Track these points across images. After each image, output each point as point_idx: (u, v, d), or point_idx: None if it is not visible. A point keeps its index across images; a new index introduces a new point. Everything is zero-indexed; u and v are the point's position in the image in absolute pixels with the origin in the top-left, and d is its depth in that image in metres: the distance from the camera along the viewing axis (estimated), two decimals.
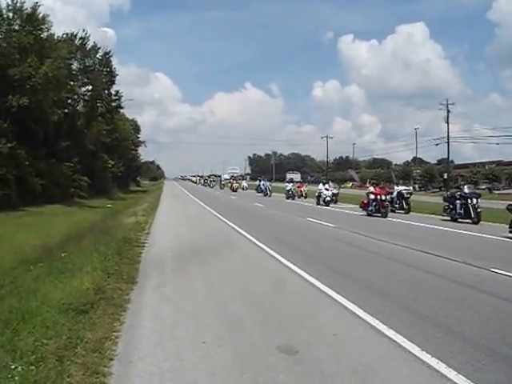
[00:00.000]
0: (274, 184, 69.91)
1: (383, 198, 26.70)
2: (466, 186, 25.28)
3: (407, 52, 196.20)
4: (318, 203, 37.06)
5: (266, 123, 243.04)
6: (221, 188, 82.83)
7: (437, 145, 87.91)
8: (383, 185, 33.02)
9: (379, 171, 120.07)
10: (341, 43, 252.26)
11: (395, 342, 5.86)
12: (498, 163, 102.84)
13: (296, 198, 47.23)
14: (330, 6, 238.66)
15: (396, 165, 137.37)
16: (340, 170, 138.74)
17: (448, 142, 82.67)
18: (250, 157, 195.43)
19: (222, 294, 8.61)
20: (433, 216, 26.65)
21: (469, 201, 23.27)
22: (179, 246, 14.54)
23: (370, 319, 6.75)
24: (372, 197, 26.99)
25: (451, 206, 24.43)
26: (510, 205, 18.39)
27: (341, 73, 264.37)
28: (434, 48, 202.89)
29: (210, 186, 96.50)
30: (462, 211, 23.50)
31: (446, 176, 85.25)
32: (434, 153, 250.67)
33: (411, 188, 44.33)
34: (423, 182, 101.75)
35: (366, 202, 27.67)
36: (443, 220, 23.95)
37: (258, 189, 60.24)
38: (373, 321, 6.67)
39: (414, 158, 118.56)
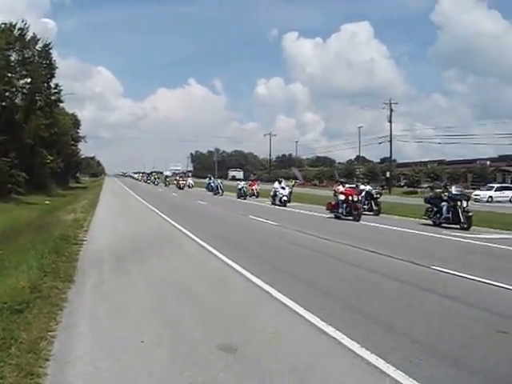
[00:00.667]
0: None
1: (355, 198, 24.23)
2: (453, 187, 23.02)
3: (352, 51, 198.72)
4: (274, 203, 35.24)
5: (209, 120, 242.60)
6: (165, 185, 79.62)
7: (380, 143, 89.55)
8: (326, 183, 32.56)
9: (322, 169, 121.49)
10: (285, 41, 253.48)
11: (335, 339, 5.88)
12: (440, 162, 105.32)
13: (248, 197, 44.73)
14: (275, 2, 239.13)
15: (339, 163, 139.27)
16: (283, 167, 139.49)
17: (391, 141, 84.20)
18: (192, 154, 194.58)
19: (161, 292, 8.51)
20: (411, 219, 24.85)
21: (458, 203, 20.81)
22: (119, 243, 14.30)
23: (310, 317, 6.75)
24: (342, 198, 24.45)
25: (435, 209, 22.10)
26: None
27: (285, 70, 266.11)
28: (378, 48, 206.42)
29: (154, 183, 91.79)
30: (450, 215, 21.02)
31: (388, 175, 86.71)
32: (377, 151, 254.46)
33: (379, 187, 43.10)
34: (366, 180, 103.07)
35: (333, 203, 25.35)
36: (425, 224, 21.89)
37: (209, 187, 57.95)
38: (313, 319, 6.67)
39: (358, 157, 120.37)
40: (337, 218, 24.42)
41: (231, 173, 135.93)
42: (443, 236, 17.70)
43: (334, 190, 26.06)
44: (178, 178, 78.98)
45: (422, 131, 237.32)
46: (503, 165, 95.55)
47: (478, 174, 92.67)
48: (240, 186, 45.82)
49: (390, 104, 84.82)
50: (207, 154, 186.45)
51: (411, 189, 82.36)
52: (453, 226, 20.57)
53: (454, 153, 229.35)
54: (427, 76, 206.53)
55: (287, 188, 36.13)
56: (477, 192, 55.71)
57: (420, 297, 8.36)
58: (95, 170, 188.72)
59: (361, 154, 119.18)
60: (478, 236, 17.41)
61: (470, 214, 20.55)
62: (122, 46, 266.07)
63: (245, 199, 43.26)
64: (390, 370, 4.91)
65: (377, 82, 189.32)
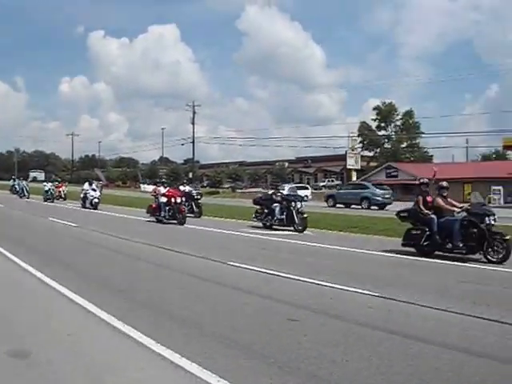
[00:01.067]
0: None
1: (178, 200, 22.65)
2: (286, 186, 23.07)
3: (158, 52, 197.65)
4: (84, 206, 33.01)
5: (9, 118, 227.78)
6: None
7: (182, 145, 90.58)
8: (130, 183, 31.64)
9: (126, 170, 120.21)
10: (91, 39, 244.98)
11: (131, 337, 5.82)
12: (241, 163, 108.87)
13: (55, 199, 42.26)
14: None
15: (143, 164, 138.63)
16: (86, 168, 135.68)
17: (193, 143, 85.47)
18: None
19: None
20: (239, 221, 24.12)
21: (292, 204, 20.20)
22: None
23: (106, 317, 6.62)
24: (164, 200, 22.83)
25: (266, 211, 21.05)
26: (398, 212, 14.67)
27: (90, 69, 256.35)
28: (184, 50, 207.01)
29: None
30: (284, 217, 20.14)
31: (190, 175, 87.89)
32: (182, 153, 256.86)
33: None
34: (169, 181, 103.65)
35: (154, 206, 23.61)
36: (255, 227, 21.00)
37: (13, 189, 52.78)
38: (109, 318, 6.55)
39: (161, 158, 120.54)
40: (159, 221, 22.91)
41: (32, 174, 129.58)
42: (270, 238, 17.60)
43: (155, 192, 24.51)
44: None
45: (224, 133, 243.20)
46: (300, 166, 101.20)
47: (277, 174, 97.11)
48: (47, 188, 42.92)
49: (194, 106, 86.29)
50: (6, 155, 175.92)
51: (213, 189, 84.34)
52: (286, 228, 19.99)
53: (256, 155, 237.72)
54: (231, 80, 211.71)
55: (98, 190, 34.42)
56: None
57: (216, 291, 8.62)
58: None
59: (164, 155, 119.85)
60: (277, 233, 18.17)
61: (305, 215, 20.01)
62: None
63: (52, 202, 41.16)
64: (185, 363, 4.97)
65: (182, 84, 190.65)
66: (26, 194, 48.51)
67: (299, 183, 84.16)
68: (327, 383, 4.56)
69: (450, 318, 6.94)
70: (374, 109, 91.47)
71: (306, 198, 29.74)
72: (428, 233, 12.91)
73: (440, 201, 13.20)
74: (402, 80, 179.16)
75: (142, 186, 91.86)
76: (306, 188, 60.58)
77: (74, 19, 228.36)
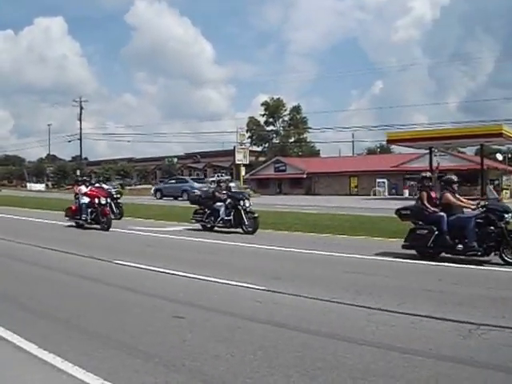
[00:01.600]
0: None
1: (103, 201, 19.55)
2: (232, 183, 20.41)
3: (44, 46, 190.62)
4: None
5: None
6: None
7: (69, 141, 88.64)
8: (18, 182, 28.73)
9: (11, 168, 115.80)
10: None
11: (11, 342, 5.64)
12: (130, 160, 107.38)
13: None
14: None
15: (30, 162, 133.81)
16: None
17: (80, 139, 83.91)
18: None
19: None
20: (171, 223, 21.77)
21: (241, 203, 17.95)
22: None
23: None
24: (85, 201, 19.76)
25: (207, 211, 18.77)
26: (398, 210, 12.74)
27: None
28: (71, 44, 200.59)
29: None
30: (232, 218, 17.94)
31: (78, 173, 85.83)
32: (70, 150, 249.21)
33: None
34: (56, 179, 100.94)
35: (74, 207, 20.39)
36: (193, 230, 18.76)
37: None
38: None
39: (48, 155, 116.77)
40: (79, 226, 19.87)
41: None
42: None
43: (75, 192, 21.46)
44: None
45: (113, 129, 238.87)
46: (189, 162, 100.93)
47: (166, 170, 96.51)
48: None
49: (81, 102, 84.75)
50: None
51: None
52: (232, 229, 18.06)
53: (145, 151, 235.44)
54: (119, 76, 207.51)
55: None
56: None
57: (101, 291, 8.51)
58: None
59: (52, 153, 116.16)
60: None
61: (256, 214, 18.03)
62: None
63: None
64: (68, 366, 4.87)
65: (69, 80, 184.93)
66: None
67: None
68: (212, 378, 4.60)
69: (334, 308, 7.19)
70: (263, 104, 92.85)
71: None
72: (437, 233, 11.48)
73: (450, 197, 11.86)
74: (290, 76, 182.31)
75: (28, 184, 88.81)
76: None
77: None
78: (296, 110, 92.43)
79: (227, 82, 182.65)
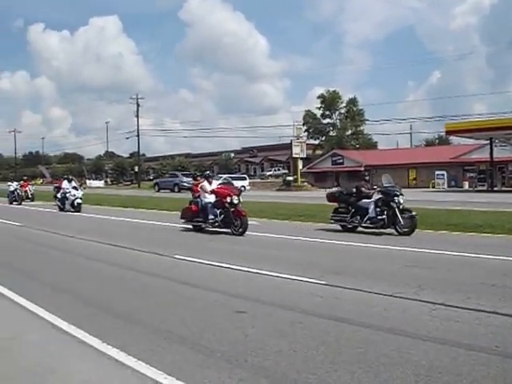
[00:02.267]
0: None
1: (235, 201, 16.07)
2: (384, 177, 16.65)
3: (100, 45, 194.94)
4: (63, 208, 27.82)
5: None
6: None
7: (127, 138, 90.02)
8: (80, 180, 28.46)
9: (71, 166, 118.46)
10: (31, 32, 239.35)
11: (77, 338, 5.72)
12: (187, 155, 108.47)
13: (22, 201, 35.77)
14: None
15: (88, 159, 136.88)
16: (30, 165, 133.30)
17: (138, 136, 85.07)
18: None
19: None
20: (306, 224, 19.12)
21: (395, 199, 15.36)
22: None
23: (50, 318, 6.50)
24: (210, 199, 16.94)
25: (351, 209, 16.28)
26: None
27: (31, 64, 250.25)
28: (126, 43, 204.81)
29: None
30: (385, 217, 15.35)
31: (136, 169, 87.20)
32: (127, 146, 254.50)
33: None
34: (115, 175, 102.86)
35: (194, 208, 17.43)
36: (330, 231, 16.39)
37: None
38: (54, 319, 6.43)
39: (106, 152, 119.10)
40: (198, 230, 17.23)
41: None
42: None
43: (193, 190, 19.62)
44: None
45: (169, 125, 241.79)
46: (246, 156, 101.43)
47: (223, 165, 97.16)
48: (12, 189, 36.45)
49: (137, 99, 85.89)
50: None
51: None
52: (382, 230, 15.66)
53: (202, 146, 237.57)
54: (174, 72, 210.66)
55: (80, 188, 28.72)
56: None
57: (160, 287, 8.56)
58: None
59: (110, 150, 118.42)
60: None
61: (414, 213, 15.26)
62: None
63: (20, 204, 35.08)
64: (132, 361, 4.93)
65: (125, 77, 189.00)
66: None
67: (245, 173, 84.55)
68: (274, 374, 4.57)
69: (397, 303, 7.09)
70: (319, 97, 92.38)
71: (243, 189, 28.80)
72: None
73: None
74: (345, 68, 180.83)
75: (88, 181, 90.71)
76: (244, 178, 61.41)
77: (12, 12, 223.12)
78: (352, 102, 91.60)
79: (282, 76, 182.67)
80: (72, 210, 27.14)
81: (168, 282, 8.84)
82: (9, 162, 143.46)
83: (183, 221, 17.73)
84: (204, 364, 4.84)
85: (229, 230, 16.04)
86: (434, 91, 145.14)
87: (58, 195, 29.26)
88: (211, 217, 16.53)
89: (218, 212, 16.40)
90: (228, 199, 16.03)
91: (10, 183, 39.19)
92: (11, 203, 35.54)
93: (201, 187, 17.67)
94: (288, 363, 4.80)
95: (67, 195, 27.96)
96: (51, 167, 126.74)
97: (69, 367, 4.94)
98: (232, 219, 15.87)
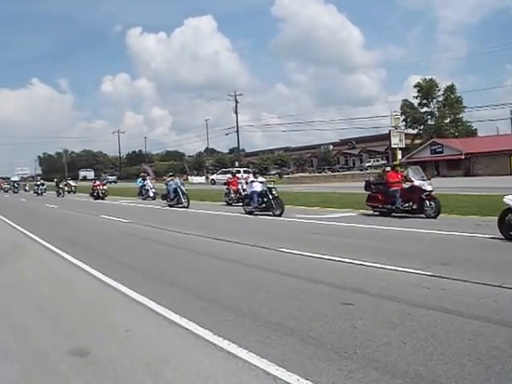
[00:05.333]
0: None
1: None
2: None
3: (196, 45, 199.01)
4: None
5: (56, 120, 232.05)
6: (36, 193, 57.38)
7: (227, 134, 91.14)
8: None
9: (173, 163, 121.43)
10: (129, 36, 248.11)
11: (188, 330, 5.91)
12: (286, 149, 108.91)
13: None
14: None
15: (189, 156, 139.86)
16: (133, 164, 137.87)
17: (238, 132, 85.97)
18: (40, 156, 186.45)
19: (6, 302, 7.99)
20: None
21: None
22: None
23: (162, 311, 6.74)
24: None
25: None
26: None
27: (130, 66, 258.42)
28: (222, 41, 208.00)
29: (15, 191, 71.98)
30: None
31: (237, 164, 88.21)
32: (226, 142, 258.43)
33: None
34: (216, 171, 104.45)
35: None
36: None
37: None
38: (166, 312, 6.67)
39: (207, 149, 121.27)
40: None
41: (82, 173, 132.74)
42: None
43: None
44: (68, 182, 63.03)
45: (267, 120, 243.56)
46: (344, 148, 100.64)
47: (322, 158, 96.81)
48: (174, 186, 29.37)
49: (235, 95, 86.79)
50: (56, 156, 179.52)
51: None
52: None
53: (300, 140, 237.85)
54: (270, 67, 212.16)
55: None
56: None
57: (266, 279, 8.64)
58: None
59: (210, 146, 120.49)
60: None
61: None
62: None
63: (176, 205, 28.55)
64: (243, 353, 5.03)
65: (222, 75, 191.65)
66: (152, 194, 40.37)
67: (345, 165, 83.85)
68: (384, 366, 4.54)
69: (505, 294, 6.87)
70: (415, 86, 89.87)
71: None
72: None
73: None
74: (441, 55, 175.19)
75: (189, 178, 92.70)
76: (249, 172, 64.26)
77: (111, 18, 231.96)
78: (450, 89, 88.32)
79: (377, 66, 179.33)
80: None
81: (274, 275, 8.90)
82: (113, 162, 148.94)
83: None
84: (314, 356, 4.87)
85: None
86: None
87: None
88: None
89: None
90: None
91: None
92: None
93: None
94: (398, 355, 4.77)
95: (178, 190, 28.20)
96: (154, 165, 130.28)
97: (182, 358, 5.10)
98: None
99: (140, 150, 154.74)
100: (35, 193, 57.92)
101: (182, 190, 28.44)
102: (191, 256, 11.50)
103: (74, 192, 58.82)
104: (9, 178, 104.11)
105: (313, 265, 9.69)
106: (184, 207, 27.50)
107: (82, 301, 7.87)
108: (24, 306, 7.63)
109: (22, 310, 7.45)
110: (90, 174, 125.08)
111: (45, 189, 58.02)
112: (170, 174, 35.52)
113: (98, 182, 46.21)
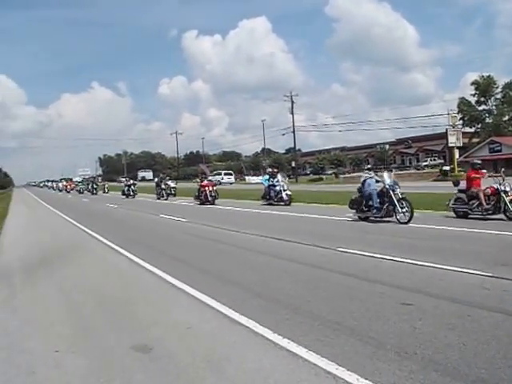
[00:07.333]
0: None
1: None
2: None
3: (251, 46, 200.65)
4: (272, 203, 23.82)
5: (116, 122, 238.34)
6: (123, 194, 48.31)
7: (283, 135, 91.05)
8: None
9: (230, 163, 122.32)
10: (185, 39, 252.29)
11: (248, 328, 6.00)
12: (342, 149, 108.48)
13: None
14: (172, 2, 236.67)
15: (246, 156, 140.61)
16: (191, 165, 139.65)
17: (294, 132, 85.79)
18: (100, 157, 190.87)
19: (73, 300, 8.30)
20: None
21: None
22: (30, 254, 13.70)
23: (222, 309, 6.86)
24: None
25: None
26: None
27: (187, 69, 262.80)
28: (276, 42, 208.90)
29: (93, 192, 64.10)
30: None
31: (293, 164, 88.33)
32: (283, 142, 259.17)
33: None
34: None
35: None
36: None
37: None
38: (226, 310, 6.79)
39: (263, 149, 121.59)
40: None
41: (141, 174, 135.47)
42: None
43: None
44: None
45: (323, 120, 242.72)
46: (401, 147, 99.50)
47: (378, 157, 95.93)
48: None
49: (291, 96, 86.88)
50: (115, 157, 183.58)
51: (316, 176, 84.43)
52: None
53: (355, 139, 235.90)
54: (325, 67, 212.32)
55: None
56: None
57: (324, 278, 8.66)
58: (2, 181, 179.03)
59: (266, 146, 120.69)
60: None
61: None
62: (23, 53, 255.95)
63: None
64: (302, 351, 5.09)
65: (277, 76, 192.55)
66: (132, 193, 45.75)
67: (401, 164, 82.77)
68: (445, 368, 4.53)
69: None
70: (472, 83, 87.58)
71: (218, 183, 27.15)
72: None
73: None
74: (499, 51, 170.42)
75: (246, 177, 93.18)
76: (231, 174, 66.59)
77: (167, 23, 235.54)
78: (509, 86, 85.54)
79: (433, 64, 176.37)
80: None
81: (331, 274, 8.91)
82: (171, 162, 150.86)
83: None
84: (374, 356, 4.90)
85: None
86: None
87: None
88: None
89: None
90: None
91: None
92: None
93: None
94: (458, 357, 4.74)
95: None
96: (211, 165, 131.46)
97: (242, 355, 5.19)
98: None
99: (197, 151, 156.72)
100: (123, 195, 47.88)
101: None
102: (248, 255, 11.60)
103: (174, 195, 45.35)
104: (71, 179, 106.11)
105: (371, 264, 9.63)
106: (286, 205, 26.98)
107: (145, 298, 8.05)
108: (90, 305, 7.86)
109: (89, 308, 7.68)
110: (149, 175, 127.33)
111: (136, 190, 48.81)
112: (269, 170, 33.24)
113: (206, 182, 33.19)
